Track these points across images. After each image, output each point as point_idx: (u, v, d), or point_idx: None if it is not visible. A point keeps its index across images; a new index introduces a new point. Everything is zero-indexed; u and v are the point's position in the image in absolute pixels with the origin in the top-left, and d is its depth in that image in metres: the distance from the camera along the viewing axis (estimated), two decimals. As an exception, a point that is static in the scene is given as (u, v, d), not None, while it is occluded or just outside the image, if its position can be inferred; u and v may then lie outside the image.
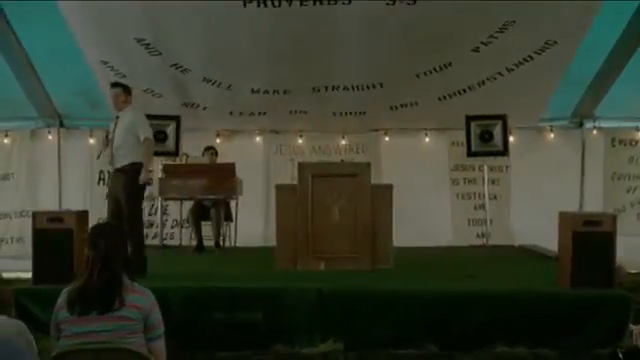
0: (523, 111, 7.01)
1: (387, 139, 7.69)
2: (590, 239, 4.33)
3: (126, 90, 5.08)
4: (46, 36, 6.30)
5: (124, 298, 2.32)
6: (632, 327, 2.33)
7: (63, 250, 4.46)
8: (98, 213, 6.14)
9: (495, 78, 6.49)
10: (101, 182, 7.76)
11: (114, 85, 5.13)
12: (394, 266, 5.34)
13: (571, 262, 4.36)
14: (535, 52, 6.11)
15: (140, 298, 2.38)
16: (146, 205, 7.70)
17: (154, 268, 4.94)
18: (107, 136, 5.02)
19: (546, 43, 5.98)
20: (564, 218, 4.48)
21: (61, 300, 2.35)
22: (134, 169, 4.87)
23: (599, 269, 4.33)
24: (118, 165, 4.94)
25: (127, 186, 4.85)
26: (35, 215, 4.58)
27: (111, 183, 5.15)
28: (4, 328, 1.58)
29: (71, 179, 7.68)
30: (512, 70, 6.36)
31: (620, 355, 2.57)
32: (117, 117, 5.02)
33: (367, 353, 4.09)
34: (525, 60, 6.21)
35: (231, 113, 7.04)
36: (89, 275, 2.34)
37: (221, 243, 6.63)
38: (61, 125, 7.66)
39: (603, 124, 7.60)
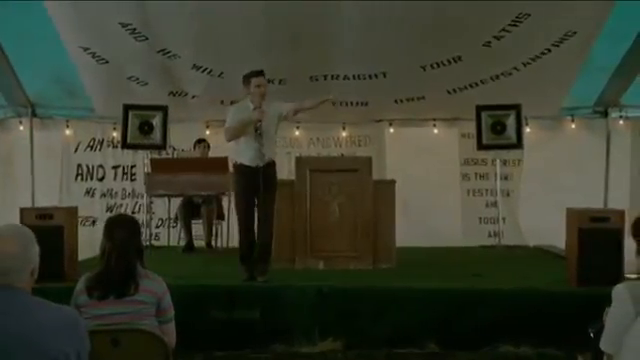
0: (541, 99, 7.65)
1: (392, 130, 8.35)
2: (597, 236, 5.01)
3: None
4: (17, 17, 6.78)
5: (139, 284, 3.01)
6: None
7: (53, 248, 5.11)
8: (81, 211, 6.71)
9: (511, 73, 7.18)
10: (79, 177, 8.42)
11: (262, 73, 5.38)
12: (396, 265, 6.05)
13: (577, 260, 5.06)
14: (553, 44, 6.78)
15: (153, 284, 3.08)
16: (130, 202, 8.41)
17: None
18: (257, 130, 5.27)
19: (565, 35, 6.64)
20: (571, 214, 5.18)
21: (81, 286, 3.04)
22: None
23: (607, 267, 5.00)
24: (271, 158, 5.41)
25: (276, 179, 5.52)
26: (23, 211, 5.25)
27: (258, 178, 5.28)
28: (73, 311, 2.25)
29: (45, 174, 8.26)
30: (529, 64, 7.04)
31: (591, 335, 3.24)
32: (255, 109, 5.28)
33: (367, 352, 4.80)
34: (542, 53, 6.89)
35: (222, 102, 7.67)
36: (106, 263, 3.03)
37: (213, 243, 7.34)
38: (34, 115, 8.22)
39: (630, 113, 8.20)
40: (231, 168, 6.47)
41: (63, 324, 2.14)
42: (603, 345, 2.60)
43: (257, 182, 5.31)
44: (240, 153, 5.41)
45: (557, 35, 6.70)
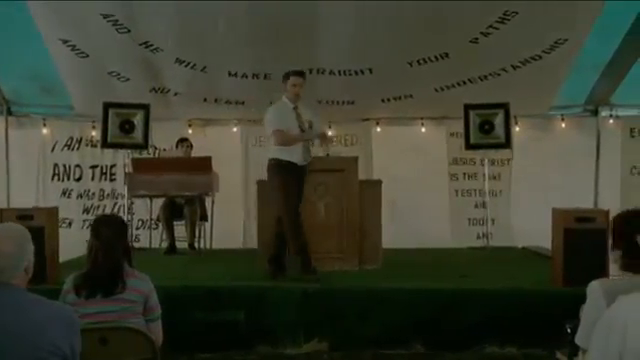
0: (531, 98, 7.91)
1: (379, 130, 8.58)
2: (583, 236, 5.24)
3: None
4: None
5: (126, 282, 3.21)
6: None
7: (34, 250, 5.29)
8: (61, 212, 6.84)
9: (499, 74, 7.43)
10: (55, 177, 8.54)
11: (301, 74, 5.77)
12: (383, 266, 6.28)
13: (563, 260, 5.30)
14: (544, 51, 7.03)
15: (140, 282, 3.28)
16: (108, 203, 8.57)
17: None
18: (302, 128, 5.73)
19: (556, 42, 6.90)
20: (556, 214, 5.42)
21: (68, 285, 3.23)
22: None
23: (592, 267, 5.22)
24: (310, 158, 5.87)
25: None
26: (3, 212, 5.41)
27: (302, 177, 5.79)
28: (68, 308, 2.43)
29: (21, 173, 8.40)
30: (518, 67, 7.29)
31: (568, 330, 3.46)
32: (294, 108, 5.75)
33: (352, 353, 5.03)
34: (533, 59, 7.15)
35: (205, 100, 7.83)
36: (93, 262, 3.23)
37: (196, 244, 7.51)
38: (9, 113, 8.35)
39: (621, 112, 8.48)
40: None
41: (58, 320, 2.31)
42: (578, 340, 2.82)
43: (302, 180, 5.73)
44: (287, 150, 5.69)
45: (548, 42, 6.93)
